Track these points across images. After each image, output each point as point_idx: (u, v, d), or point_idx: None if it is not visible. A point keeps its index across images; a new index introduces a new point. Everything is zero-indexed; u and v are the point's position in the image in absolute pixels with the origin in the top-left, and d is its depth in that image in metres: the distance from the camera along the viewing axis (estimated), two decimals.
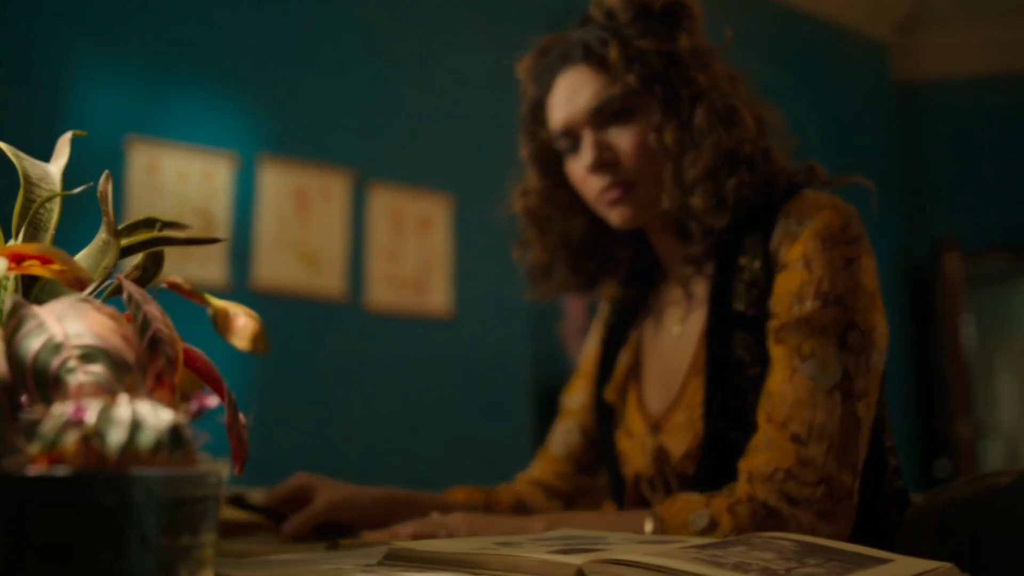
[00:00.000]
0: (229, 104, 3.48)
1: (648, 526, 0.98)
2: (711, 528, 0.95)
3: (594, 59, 1.15)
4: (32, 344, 0.51)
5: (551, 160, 1.24)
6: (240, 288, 3.25)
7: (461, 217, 3.80)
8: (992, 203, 5.33)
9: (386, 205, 3.68)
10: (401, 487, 1.24)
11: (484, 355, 3.75)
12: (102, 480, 0.48)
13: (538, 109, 1.23)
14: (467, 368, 3.69)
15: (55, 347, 0.51)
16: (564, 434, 1.35)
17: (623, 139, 1.14)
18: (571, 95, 1.16)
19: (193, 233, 0.70)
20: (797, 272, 1.05)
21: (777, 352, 1.04)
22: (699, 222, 1.13)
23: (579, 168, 1.18)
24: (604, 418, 1.28)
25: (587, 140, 1.16)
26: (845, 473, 0.97)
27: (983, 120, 5.48)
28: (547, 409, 2.45)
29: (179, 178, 3.29)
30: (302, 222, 3.50)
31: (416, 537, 0.99)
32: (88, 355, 0.52)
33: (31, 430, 0.51)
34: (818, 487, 0.96)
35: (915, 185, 5.45)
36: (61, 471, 0.48)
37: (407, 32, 3.89)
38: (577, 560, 0.65)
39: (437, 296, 3.72)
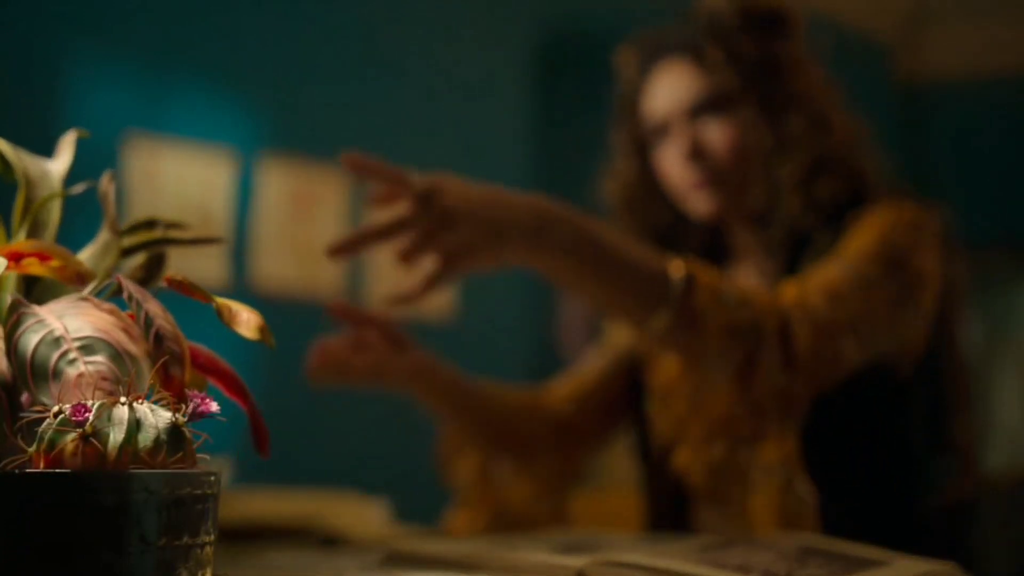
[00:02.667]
0: (229, 101, 3.48)
1: (677, 271, 0.96)
2: (742, 305, 0.96)
3: (696, 56, 1.19)
4: (31, 339, 0.51)
5: (640, 148, 1.28)
6: (239, 287, 3.24)
7: None
8: (995, 203, 5.32)
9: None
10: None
11: (484, 355, 3.75)
12: (102, 480, 0.48)
13: (634, 98, 1.26)
14: (467, 368, 3.69)
15: (55, 340, 0.51)
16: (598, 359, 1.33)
17: (716, 133, 1.18)
18: (670, 86, 1.20)
19: (195, 232, 0.70)
20: (868, 229, 1.10)
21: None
22: (788, 223, 1.17)
23: (669, 158, 1.21)
24: (635, 390, 1.27)
25: (681, 130, 1.19)
26: (841, 323, 1.00)
27: (986, 119, 5.48)
28: None
29: (178, 175, 3.28)
30: (302, 220, 3.50)
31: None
32: (88, 346, 0.51)
33: (31, 430, 0.51)
34: (816, 311, 0.99)
35: (917, 185, 5.43)
36: (61, 471, 0.48)
37: (408, 30, 3.89)
38: (578, 562, 0.65)
39: (437, 295, 3.72)
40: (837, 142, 1.18)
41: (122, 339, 0.53)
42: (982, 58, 5.49)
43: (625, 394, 1.29)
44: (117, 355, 0.52)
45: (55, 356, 0.50)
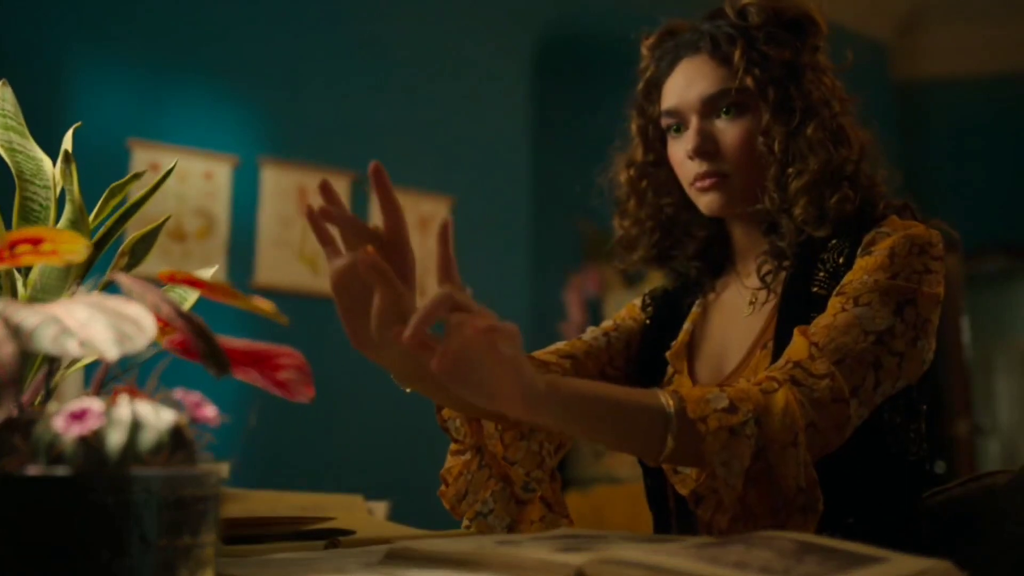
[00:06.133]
0: (230, 107, 3.48)
1: (665, 398, 0.95)
2: (732, 409, 0.94)
3: (718, 53, 1.20)
4: (32, 320, 0.51)
5: (656, 138, 1.30)
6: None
7: (460, 217, 3.80)
8: (991, 203, 5.33)
9: None
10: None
11: None
12: (102, 480, 0.48)
13: (653, 87, 1.28)
14: None
15: (56, 319, 0.51)
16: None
17: (729, 132, 1.19)
18: (689, 81, 1.22)
19: (150, 183, 0.70)
20: (878, 257, 1.11)
21: (834, 300, 1.08)
22: (796, 229, 1.18)
23: (680, 151, 1.23)
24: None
25: (693, 126, 1.21)
26: (848, 388, 1.00)
27: (982, 120, 5.49)
28: None
29: (180, 181, 3.29)
30: (302, 224, 3.51)
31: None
32: (89, 323, 0.51)
33: (31, 429, 0.51)
34: (822, 379, 0.99)
35: (913, 185, 5.43)
36: (61, 471, 0.48)
37: (406, 35, 3.89)
38: (577, 559, 0.65)
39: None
40: (849, 154, 1.18)
41: (126, 311, 0.52)
42: (980, 58, 5.49)
43: (622, 376, 1.29)
44: (118, 326, 0.51)
45: (55, 330, 0.50)
